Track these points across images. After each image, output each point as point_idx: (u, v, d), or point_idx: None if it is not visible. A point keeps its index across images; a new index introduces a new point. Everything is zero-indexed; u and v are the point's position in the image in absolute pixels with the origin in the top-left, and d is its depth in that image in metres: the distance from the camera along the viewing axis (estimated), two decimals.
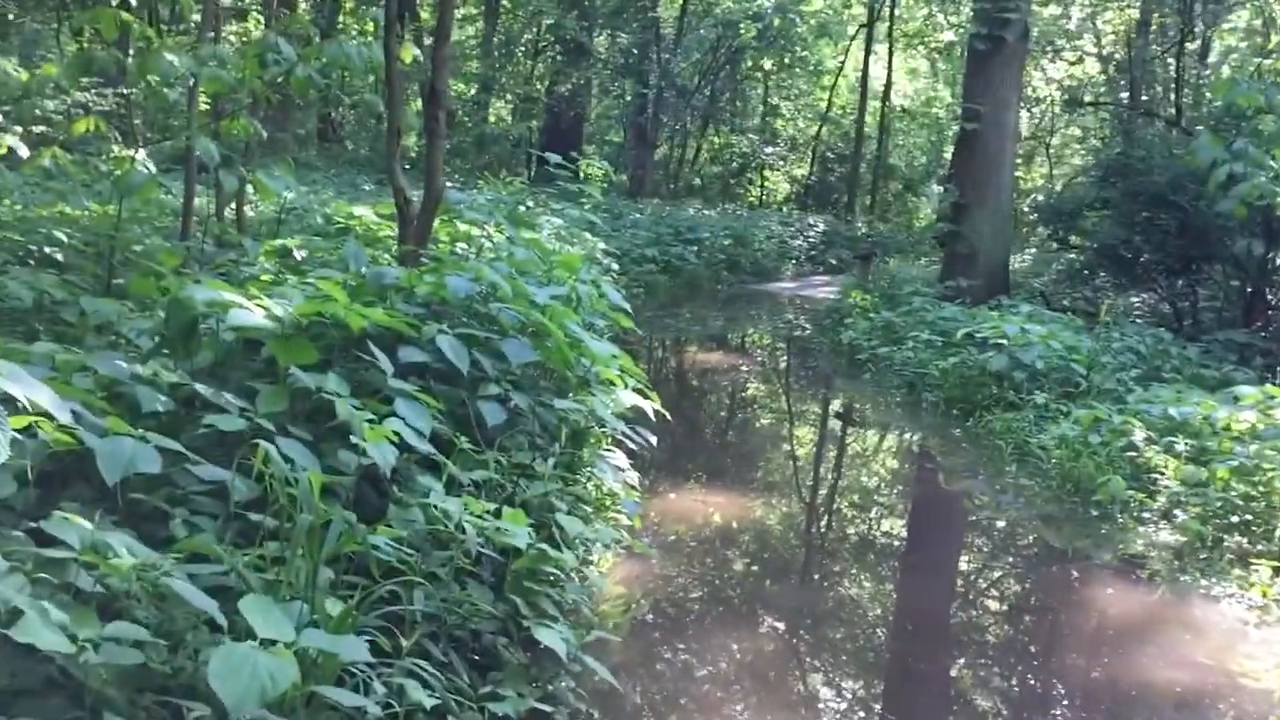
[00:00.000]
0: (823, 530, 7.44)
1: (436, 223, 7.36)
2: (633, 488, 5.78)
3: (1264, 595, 5.81)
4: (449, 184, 11.12)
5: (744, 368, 13.46)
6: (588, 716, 3.85)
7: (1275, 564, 6.05)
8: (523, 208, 11.34)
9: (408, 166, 10.58)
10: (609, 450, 5.68)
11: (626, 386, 6.07)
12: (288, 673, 2.41)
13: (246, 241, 7.24)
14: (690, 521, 6.70)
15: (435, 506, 3.81)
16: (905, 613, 6.00)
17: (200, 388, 3.99)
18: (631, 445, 6.08)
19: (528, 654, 3.90)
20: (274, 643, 2.52)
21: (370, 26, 20.51)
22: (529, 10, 21.87)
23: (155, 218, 9.03)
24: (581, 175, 13.47)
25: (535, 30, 22.72)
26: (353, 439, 3.74)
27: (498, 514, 3.91)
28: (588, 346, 5.48)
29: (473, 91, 21.86)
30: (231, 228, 7.96)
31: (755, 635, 5.18)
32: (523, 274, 6.26)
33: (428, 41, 8.84)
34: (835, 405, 11.96)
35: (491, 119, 23.79)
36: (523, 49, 23.21)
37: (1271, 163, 11.76)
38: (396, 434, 3.88)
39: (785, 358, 14.70)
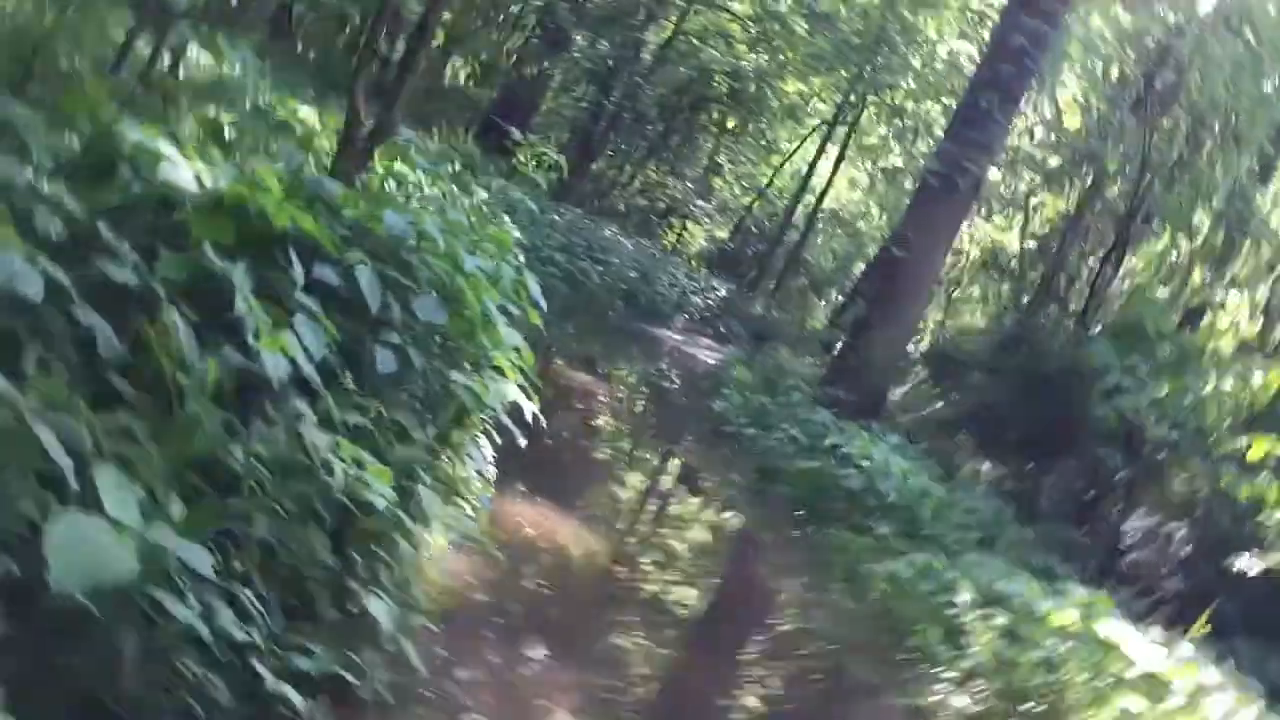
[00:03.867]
0: (645, 581, 7.37)
1: (378, 152, 7.09)
2: (489, 482, 5.59)
3: None
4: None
5: (609, 401, 13.36)
6: (385, 698, 3.64)
7: None
8: (452, 167, 11.06)
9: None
10: (481, 438, 5.49)
11: (515, 380, 5.90)
12: (128, 563, 2.17)
13: (182, 100, 6.82)
14: (532, 531, 6.55)
15: (304, 436, 3.58)
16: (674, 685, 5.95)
17: (103, 228, 3.67)
18: (499, 441, 5.90)
19: (347, 616, 3.67)
20: (119, 526, 2.27)
21: None
22: None
23: (93, 40, 8.46)
24: (532, 160, 13.24)
25: (522, 4, 22.41)
26: (248, 340, 3.48)
27: (361, 465, 3.70)
28: (497, 330, 5.30)
29: (438, 43, 21.39)
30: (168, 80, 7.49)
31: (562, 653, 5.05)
32: (450, 235, 6.04)
33: None
34: (689, 471, 11.92)
35: (448, 74, 23.32)
36: (503, 17, 22.88)
37: (1156, 389, 12.32)
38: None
39: (654, 406, 14.66)
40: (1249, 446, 11.13)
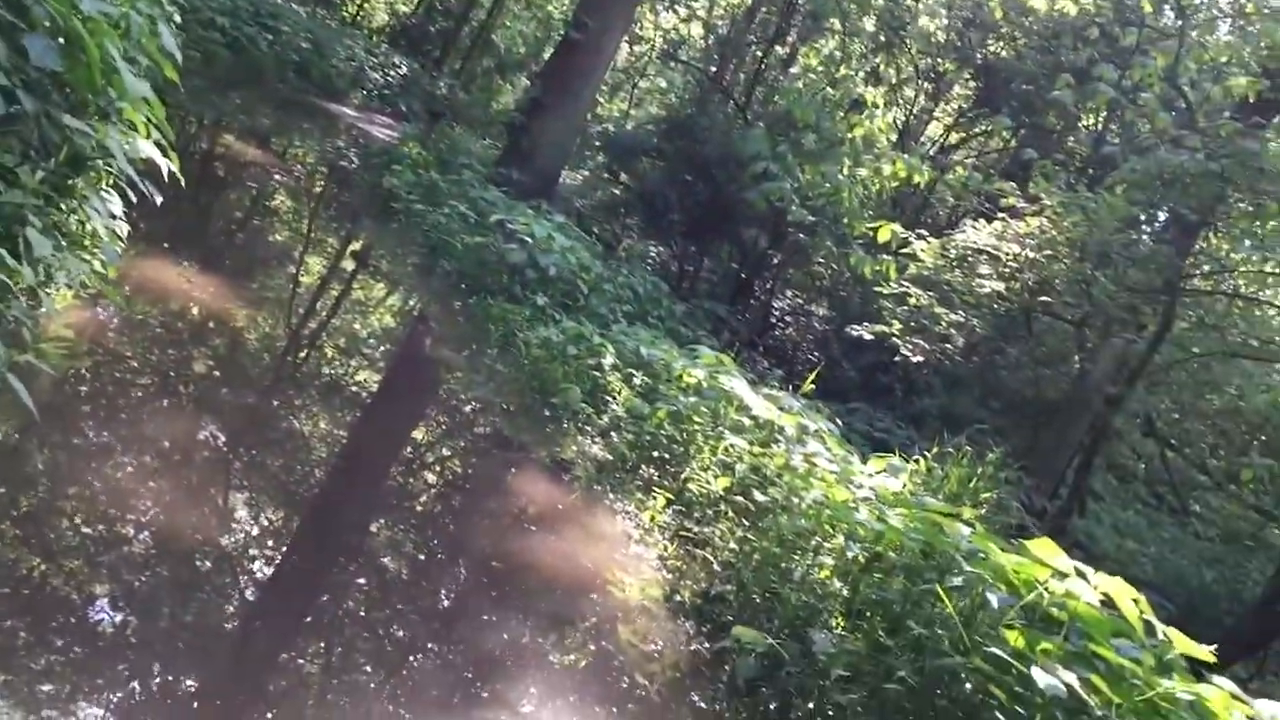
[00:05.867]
0: (289, 350, 7.45)
1: None
2: (118, 237, 5.46)
3: (651, 519, 6.67)
4: None
5: (277, 176, 12.97)
6: None
7: (669, 497, 6.95)
8: None
9: None
10: (108, 192, 5.32)
11: (149, 136, 5.71)
12: None
13: None
14: (167, 291, 6.46)
15: None
16: (334, 450, 6.20)
17: None
18: (133, 196, 5.73)
19: None
20: None
21: None
22: None
23: None
24: None
25: None
26: None
27: None
28: (121, 79, 5.09)
29: None
30: None
31: (177, 416, 5.14)
32: None
33: None
34: (353, 244, 11.88)
35: None
36: None
37: (799, 174, 13.29)
38: None
39: (321, 179, 14.33)
40: (877, 229, 12.29)
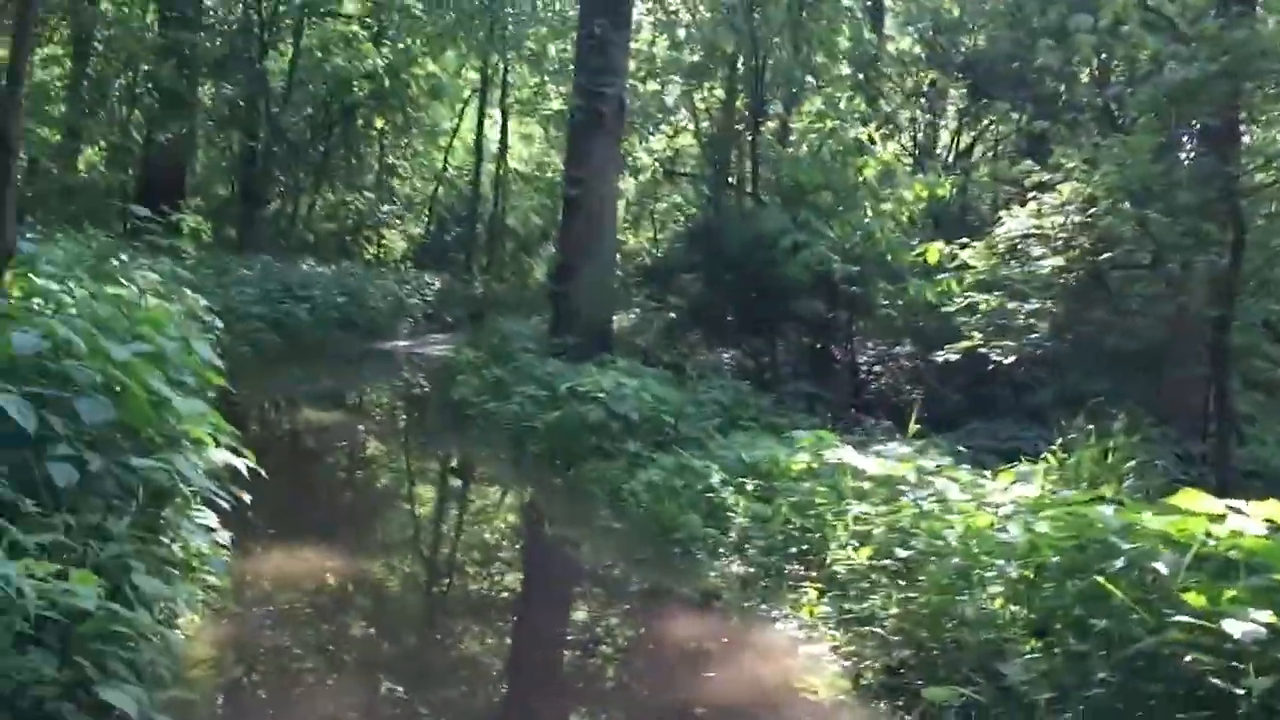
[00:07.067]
0: (427, 584, 7.59)
1: (9, 276, 6.91)
2: (223, 547, 5.68)
3: (810, 615, 6.56)
4: (29, 235, 10.39)
5: (357, 425, 13.40)
6: None
7: (820, 587, 6.84)
8: (115, 261, 10.78)
9: None
10: (198, 510, 5.56)
11: (218, 445, 5.98)
12: None
13: None
14: (289, 580, 6.64)
15: None
16: (513, 652, 6.26)
17: None
18: (224, 504, 5.97)
19: (96, 717, 3.77)
20: None
21: None
22: (122, 56, 20.70)
23: None
24: (180, 228, 12.97)
25: (131, 75, 21.50)
26: None
27: (64, 576, 3.78)
28: (173, 404, 5.37)
29: (58, 137, 20.37)
30: None
31: (355, 692, 5.23)
32: (106, 330, 6.01)
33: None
34: (443, 461, 12.14)
35: (81, 167, 22.23)
36: (117, 95, 21.92)
37: (830, 233, 13.34)
38: None
39: (397, 415, 14.76)
40: (924, 254, 12.23)
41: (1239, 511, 4.24)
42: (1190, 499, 4.41)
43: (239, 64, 22.34)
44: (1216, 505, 4.30)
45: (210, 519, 5.58)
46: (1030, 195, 10.95)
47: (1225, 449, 10.36)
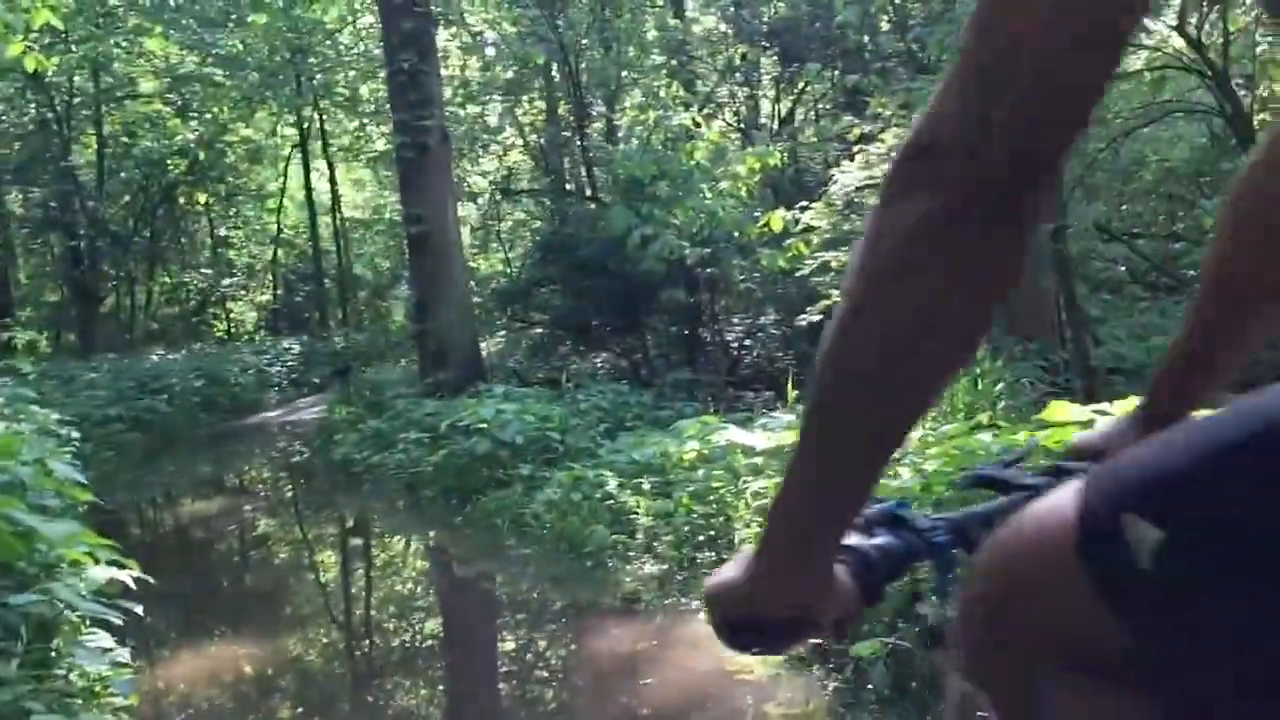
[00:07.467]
0: (346, 648, 7.41)
1: None
2: (124, 665, 5.45)
3: None
4: None
5: (242, 506, 12.99)
6: None
7: None
8: None
9: None
10: (90, 633, 5.32)
11: (98, 562, 5.73)
12: None
13: None
14: (204, 677, 6.42)
15: None
16: (450, 696, 6.16)
17: None
18: (117, 621, 5.73)
19: None
20: None
21: None
22: None
23: None
24: (13, 346, 12.43)
25: None
26: None
27: None
28: (40, 532, 5.13)
29: None
30: None
31: None
32: None
33: None
34: (338, 523, 11.87)
35: None
36: None
37: (674, 220, 13.47)
38: None
39: (281, 486, 14.37)
40: (768, 224, 12.42)
41: (1104, 413, 4.42)
42: (1060, 410, 4.58)
43: (43, 164, 21.47)
44: (1083, 412, 4.48)
45: (105, 640, 5.34)
46: (857, 149, 11.23)
47: (1083, 353, 10.80)
